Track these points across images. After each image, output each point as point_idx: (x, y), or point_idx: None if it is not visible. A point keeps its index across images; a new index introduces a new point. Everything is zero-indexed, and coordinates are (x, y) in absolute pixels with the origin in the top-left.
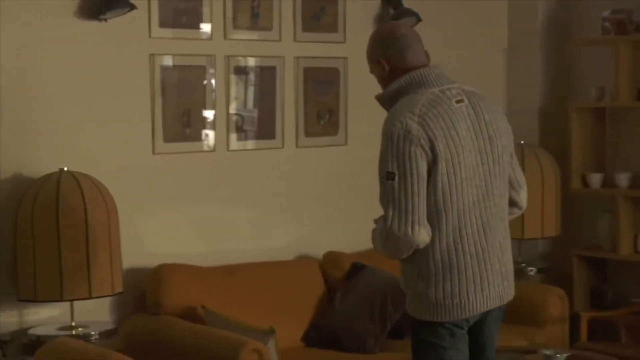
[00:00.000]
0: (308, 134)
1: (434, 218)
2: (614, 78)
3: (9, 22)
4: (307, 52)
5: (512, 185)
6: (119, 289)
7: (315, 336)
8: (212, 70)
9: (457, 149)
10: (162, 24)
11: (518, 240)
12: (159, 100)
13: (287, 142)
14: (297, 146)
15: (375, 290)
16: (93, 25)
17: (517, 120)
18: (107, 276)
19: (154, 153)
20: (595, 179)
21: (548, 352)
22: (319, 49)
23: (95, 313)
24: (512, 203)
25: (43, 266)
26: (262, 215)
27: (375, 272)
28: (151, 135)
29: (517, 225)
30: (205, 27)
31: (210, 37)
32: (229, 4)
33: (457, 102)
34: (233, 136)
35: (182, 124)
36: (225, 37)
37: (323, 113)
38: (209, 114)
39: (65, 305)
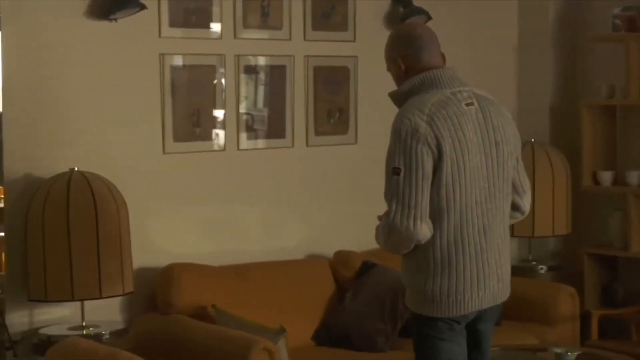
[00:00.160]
0: (318, 133)
1: (437, 216)
2: (624, 75)
3: (19, 22)
4: (317, 51)
5: (516, 190)
6: (129, 288)
7: (326, 335)
8: (222, 70)
9: (463, 150)
10: (172, 23)
11: (528, 238)
12: (169, 99)
13: (297, 141)
14: (307, 145)
15: (386, 289)
16: (103, 25)
17: (528, 119)
18: (118, 276)
19: (164, 153)
20: (606, 176)
21: (559, 350)
22: (329, 47)
23: (105, 313)
24: (515, 207)
25: (53, 266)
26: (272, 215)
27: (385, 270)
28: (161, 134)
29: (528, 223)
30: (215, 27)
31: (220, 37)
32: (239, 4)
33: (467, 105)
34: (243, 135)
35: (192, 124)
36: (235, 36)
37: (333, 112)
38: (219, 113)
39: (76, 305)
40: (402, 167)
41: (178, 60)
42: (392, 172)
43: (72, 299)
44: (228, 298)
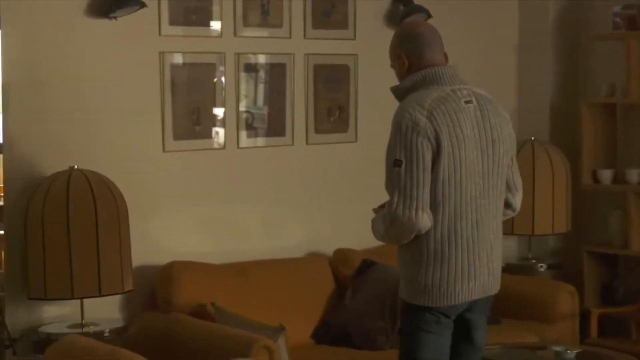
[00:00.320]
0: (318, 131)
1: (432, 209)
2: (625, 74)
3: (20, 20)
4: (317, 49)
5: (509, 188)
6: (129, 286)
7: (326, 333)
8: (222, 68)
9: (460, 145)
10: (172, 21)
11: (528, 237)
12: (168, 98)
13: (297, 139)
14: (307, 143)
15: (386, 287)
16: (103, 23)
17: (528, 117)
18: (117, 274)
19: (164, 151)
20: (606, 175)
21: (558, 349)
22: (329, 46)
23: (105, 311)
24: (507, 205)
25: (53, 264)
26: (272, 213)
27: (385, 268)
28: (161, 133)
29: (527, 222)
30: (215, 25)
31: (220, 35)
32: (239, 2)
33: (466, 102)
34: (243, 133)
35: (192, 122)
36: (235, 34)
37: (333, 110)
38: (219, 111)
39: (76, 303)
40: (403, 160)
41: (178, 59)
42: (394, 164)
43: (71, 297)
44: (228, 296)
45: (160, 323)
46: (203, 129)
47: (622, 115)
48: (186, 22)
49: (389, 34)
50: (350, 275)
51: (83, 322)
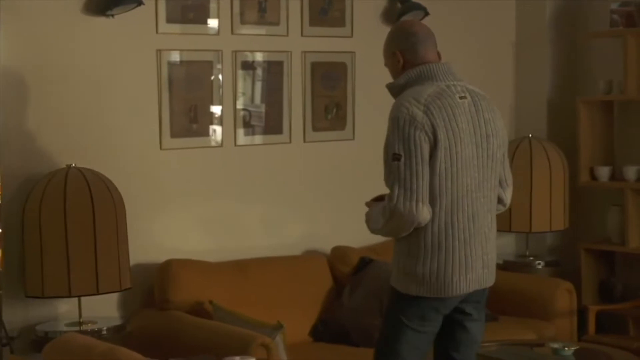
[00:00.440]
0: (315, 128)
1: (430, 202)
2: (622, 71)
3: (16, 18)
4: (314, 47)
5: (500, 183)
6: (126, 284)
7: (324, 331)
8: (219, 66)
9: (456, 139)
10: (170, 19)
11: (526, 234)
12: (166, 95)
13: (295, 137)
14: (304, 141)
15: (383, 285)
16: (100, 21)
17: (526, 114)
18: (115, 272)
19: (161, 149)
20: (604, 172)
21: (556, 345)
22: (327, 43)
23: (102, 309)
24: (498, 200)
25: (50, 262)
26: (270, 210)
27: (383, 266)
28: (158, 130)
29: (525, 219)
30: (213, 23)
31: (218, 33)
32: (237, 0)
33: (461, 98)
34: (240, 131)
35: (189, 120)
36: (232, 32)
37: (330, 108)
38: (216, 109)
39: (73, 301)
40: (402, 153)
41: (175, 56)
42: (392, 158)
43: (69, 295)
44: (225, 294)
45: (158, 321)
46: (200, 127)
47: (619, 112)
48: (183, 20)
49: (386, 31)
50: (348, 272)
51: (81, 320)
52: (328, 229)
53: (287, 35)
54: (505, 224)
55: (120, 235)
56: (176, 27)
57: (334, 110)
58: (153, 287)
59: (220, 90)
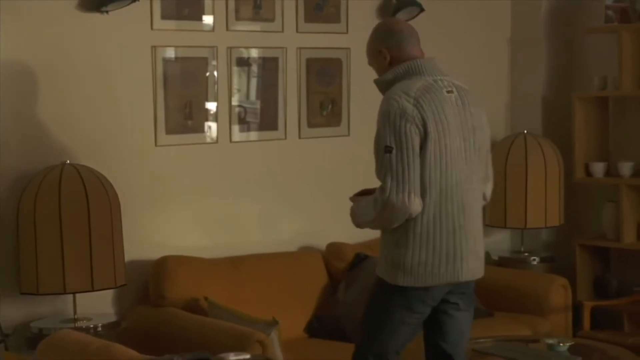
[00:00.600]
0: (311, 125)
1: (420, 193)
2: (617, 67)
3: (11, 14)
4: (309, 43)
5: None
6: (121, 281)
7: (319, 327)
8: (214, 62)
9: (445, 132)
10: (164, 15)
11: (521, 230)
12: (161, 92)
13: (290, 133)
14: (299, 137)
15: None
16: (95, 17)
17: (521, 110)
18: (110, 269)
19: (156, 145)
20: (599, 168)
21: (551, 341)
22: (322, 39)
23: (97, 306)
24: None
25: (45, 259)
26: (265, 207)
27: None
28: (153, 127)
29: (520, 215)
30: (208, 19)
31: (213, 29)
32: None
33: (448, 92)
34: (235, 128)
35: (184, 116)
36: (227, 28)
37: (326, 104)
38: (211, 105)
39: (68, 298)
40: (393, 146)
41: (170, 53)
42: (384, 150)
43: (64, 291)
44: (221, 290)
45: (153, 317)
46: (195, 123)
47: (614, 108)
48: (178, 16)
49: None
50: (343, 269)
51: (76, 316)
52: (323, 225)
53: (282, 31)
54: (500, 219)
55: (115, 231)
56: (171, 24)
57: (329, 106)
58: (148, 284)
59: (216, 86)
